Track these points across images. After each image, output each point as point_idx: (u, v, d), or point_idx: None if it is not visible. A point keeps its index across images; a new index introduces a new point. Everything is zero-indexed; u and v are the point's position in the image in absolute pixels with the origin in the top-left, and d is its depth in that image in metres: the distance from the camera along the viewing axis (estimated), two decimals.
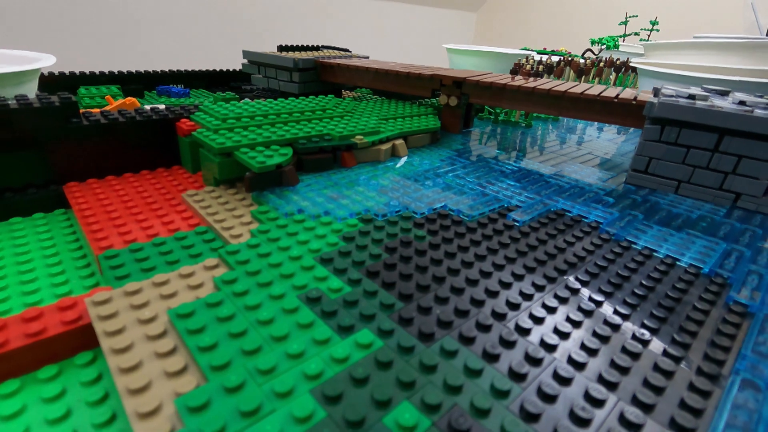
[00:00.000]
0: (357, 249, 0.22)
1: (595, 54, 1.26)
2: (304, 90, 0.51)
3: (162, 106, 0.50)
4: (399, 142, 0.37)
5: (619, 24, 1.64)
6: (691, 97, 0.32)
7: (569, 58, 0.83)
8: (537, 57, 1.00)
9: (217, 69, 0.70)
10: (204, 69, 0.68)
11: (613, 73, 0.82)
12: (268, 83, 0.53)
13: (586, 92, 0.36)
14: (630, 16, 1.63)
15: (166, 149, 0.34)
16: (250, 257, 0.20)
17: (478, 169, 0.35)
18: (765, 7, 1.12)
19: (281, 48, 0.75)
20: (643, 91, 0.40)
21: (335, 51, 0.61)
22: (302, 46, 0.78)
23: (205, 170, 0.30)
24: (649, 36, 1.62)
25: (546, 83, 0.41)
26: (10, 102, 0.27)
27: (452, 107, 0.45)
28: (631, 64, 0.59)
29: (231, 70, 0.71)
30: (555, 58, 0.96)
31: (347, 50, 0.83)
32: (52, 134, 0.29)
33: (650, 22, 1.58)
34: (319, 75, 0.52)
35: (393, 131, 0.37)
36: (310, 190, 0.28)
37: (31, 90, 0.38)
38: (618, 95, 0.36)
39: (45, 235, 0.25)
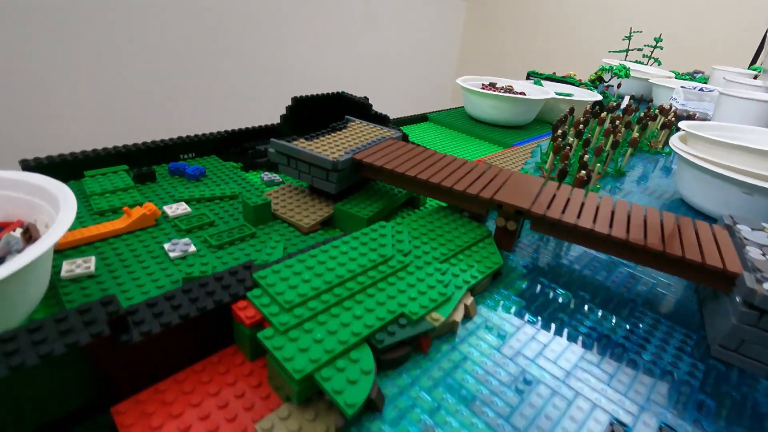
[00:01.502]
0: None
1: (605, 81, 1.24)
2: (339, 188, 0.47)
3: (184, 208, 0.45)
4: (470, 302, 0.34)
5: (623, 39, 1.62)
6: None
7: (592, 110, 0.80)
8: (561, 91, 0.97)
9: (228, 130, 0.64)
10: (213, 132, 0.63)
11: (637, 125, 0.80)
12: (299, 176, 0.49)
13: (668, 250, 0.34)
14: (634, 32, 1.60)
15: (219, 332, 0.30)
16: None
17: (553, 336, 0.33)
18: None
19: (297, 101, 0.70)
20: (716, 229, 0.38)
21: (363, 125, 0.57)
22: (318, 96, 0.73)
23: (274, 376, 0.27)
24: (652, 52, 1.61)
25: (616, 220, 0.38)
26: (60, 346, 0.23)
27: (509, 230, 0.42)
28: (672, 147, 0.57)
29: (240, 129, 0.65)
30: (578, 95, 0.93)
31: (365, 99, 0.78)
32: (99, 357, 0.24)
33: (654, 39, 1.57)
34: (356, 170, 0.48)
35: (461, 287, 0.34)
36: (398, 415, 0.25)
37: (47, 261, 0.33)
38: (703, 256, 0.34)
39: None
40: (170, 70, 1.69)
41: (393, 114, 2.69)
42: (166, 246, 0.39)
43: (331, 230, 0.47)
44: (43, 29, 1.37)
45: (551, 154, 0.58)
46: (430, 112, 0.99)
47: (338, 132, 0.54)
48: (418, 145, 0.52)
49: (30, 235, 0.32)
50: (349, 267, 0.33)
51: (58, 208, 0.33)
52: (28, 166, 0.47)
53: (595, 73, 1.47)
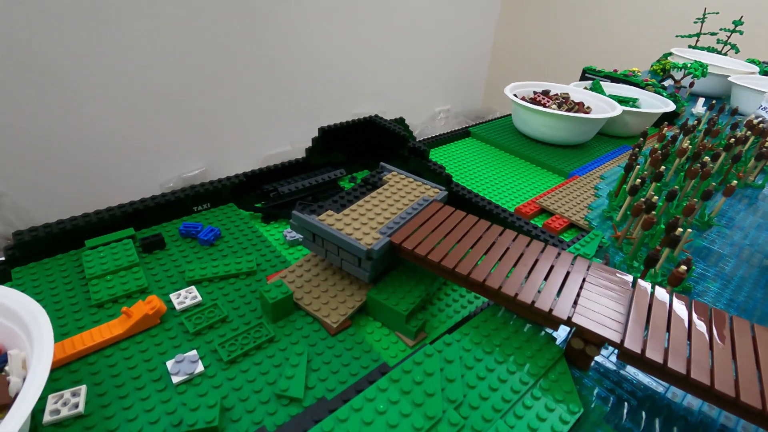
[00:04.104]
0: None
1: (675, 80, 1.07)
2: (373, 276, 0.39)
3: (194, 296, 0.38)
4: None
5: (695, 21, 1.42)
6: None
7: (670, 137, 0.68)
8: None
9: (246, 172, 0.57)
10: (229, 176, 0.55)
11: (724, 151, 0.67)
12: (326, 256, 0.41)
13: None
14: (708, 13, 1.40)
15: None
16: None
17: None
18: None
19: (324, 132, 0.61)
20: None
21: (401, 179, 0.48)
22: (347, 124, 0.64)
23: None
24: (728, 38, 1.41)
25: (742, 364, 0.29)
26: None
27: (588, 354, 0.33)
28: None
29: (261, 170, 0.58)
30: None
31: (400, 122, 0.68)
32: None
33: (733, 22, 1.36)
34: (393, 251, 0.40)
35: None
36: None
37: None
38: None
39: None
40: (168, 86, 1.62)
41: (421, 113, 2.57)
42: (169, 366, 0.33)
43: (362, 320, 0.40)
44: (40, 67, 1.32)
45: (630, 217, 0.48)
46: (472, 126, 0.88)
47: (372, 194, 0.45)
48: (467, 213, 0.43)
49: None
50: None
51: (32, 344, 0.28)
52: (21, 241, 0.41)
53: (659, 62, 1.29)
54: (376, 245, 0.37)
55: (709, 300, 0.45)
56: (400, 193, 0.46)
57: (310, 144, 0.62)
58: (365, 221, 0.41)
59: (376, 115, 0.67)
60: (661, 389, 0.34)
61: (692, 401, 0.34)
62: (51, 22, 1.29)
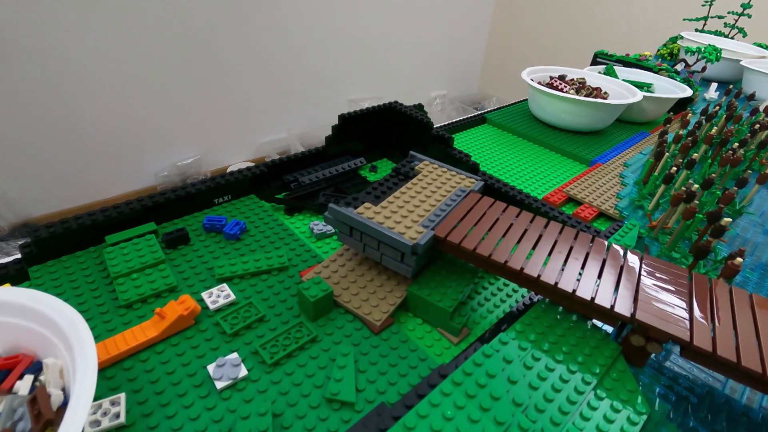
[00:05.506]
0: None
1: (689, 65, 1.06)
2: (416, 271, 0.38)
3: (227, 294, 0.36)
4: None
5: (702, 5, 1.40)
6: None
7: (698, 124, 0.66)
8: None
9: (267, 162, 0.54)
10: (247, 165, 0.53)
11: (750, 138, 0.66)
12: (365, 250, 0.39)
13: None
14: None
15: None
16: None
17: None
18: None
19: (344, 119, 0.59)
20: None
21: (435, 169, 0.46)
22: (367, 111, 0.61)
23: None
24: (736, 21, 1.39)
25: None
26: None
27: (647, 351, 0.32)
28: None
29: (281, 159, 0.56)
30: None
31: (419, 108, 0.66)
32: None
33: (742, 5, 1.34)
34: (435, 244, 0.38)
35: None
36: None
37: None
38: None
39: None
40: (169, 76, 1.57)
41: (416, 98, 2.55)
42: (211, 370, 0.31)
43: (402, 317, 0.38)
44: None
45: (670, 207, 0.47)
46: (488, 112, 0.86)
47: (407, 185, 0.43)
48: (508, 205, 0.41)
49: (39, 410, 0.24)
50: None
51: (72, 353, 0.26)
52: (39, 238, 0.39)
53: (665, 46, 1.28)
54: (421, 239, 0.36)
55: (751, 289, 0.44)
56: (435, 183, 0.44)
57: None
58: (405, 214, 0.39)
59: (396, 102, 0.65)
60: (718, 384, 0.33)
61: (751, 396, 0.33)
62: (42, 9, 1.23)
